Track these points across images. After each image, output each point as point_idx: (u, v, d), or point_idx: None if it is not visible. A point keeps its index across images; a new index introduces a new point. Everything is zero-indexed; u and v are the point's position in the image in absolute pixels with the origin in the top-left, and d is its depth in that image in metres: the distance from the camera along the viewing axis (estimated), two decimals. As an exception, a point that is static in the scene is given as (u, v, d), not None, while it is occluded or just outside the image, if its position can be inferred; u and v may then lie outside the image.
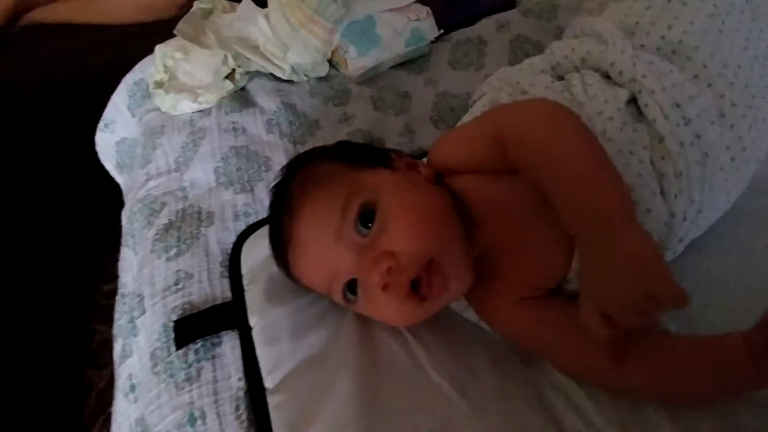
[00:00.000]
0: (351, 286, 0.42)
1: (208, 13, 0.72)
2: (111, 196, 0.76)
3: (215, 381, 0.45)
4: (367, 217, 0.40)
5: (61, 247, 0.96)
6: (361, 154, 0.46)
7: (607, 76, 0.45)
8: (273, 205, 0.47)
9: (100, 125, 0.79)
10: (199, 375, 0.45)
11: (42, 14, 1.08)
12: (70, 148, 0.89)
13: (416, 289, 0.39)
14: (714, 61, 0.44)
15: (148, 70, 0.76)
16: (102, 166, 0.81)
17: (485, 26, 0.78)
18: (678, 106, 0.41)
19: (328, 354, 0.46)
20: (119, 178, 0.78)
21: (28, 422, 0.80)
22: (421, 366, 0.45)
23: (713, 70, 0.44)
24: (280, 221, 0.44)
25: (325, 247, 0.41)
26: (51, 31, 1.06)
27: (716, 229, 0.45)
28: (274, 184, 0.48)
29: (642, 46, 0.46)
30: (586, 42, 0.48)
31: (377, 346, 0.46)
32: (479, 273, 0.43)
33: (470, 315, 0.49)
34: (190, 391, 0.45)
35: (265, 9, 0.73)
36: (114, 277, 0.62)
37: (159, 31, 0.75)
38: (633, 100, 0.43)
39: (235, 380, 0.45)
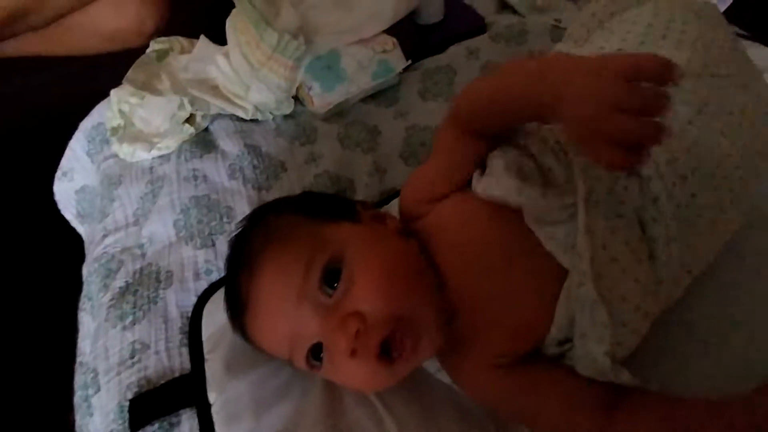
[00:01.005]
0: (315, 351, 0.39)
1: (164, 54, 0.69)
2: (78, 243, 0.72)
3: (172, 468, 0.42)
4: (331, 276, 0.38)
5: (31, 303, 0.91)
6: (326, 207, 0.44)
7: None
8: (230, 261, 0.44)
9: (58, 174, 0.75)
10: (156, 461, 0.42)
11: (5, 49, 1.04)
12: (31, 196, 0.85)
13: (385, 351, 0.36)
14: (708, 107, 0.41)
15: (106, 113, 0.73)
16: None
17: (455, 54, 0.76)
18: (673, 161, 0.38)
19: (295, 428, 0.43)
20: (80, 229, 0.74)
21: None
22: (388, 432, 0.42)
23: (708, 116, 0.40)
24: (237, 279, 0.41)
25: (287, 308, 0.38)
26: (13, 67, 1.02)
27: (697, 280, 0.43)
28: (232, 236, 0.45)
29: None
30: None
31: (344, 413, 0.44)
32: (451, 334, 0.41)
33: (443, 377, 0.46)
34: (146, 479, 0.42)
35: (225, 47, 0.70)
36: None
37: (130, 61, 0.71)
38: None
39: None
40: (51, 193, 0.76)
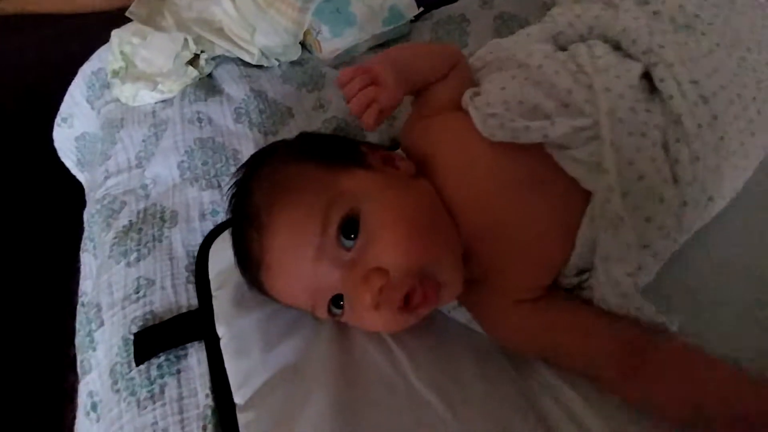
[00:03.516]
0: (335, 301, 0.38)
1: (167, -6, 0.66)
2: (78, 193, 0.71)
3: (180, 398, 0.41)
4: (349, 228, 0.36)
5: (31, 251, 0.90)
6: (331, 151, 0.41)
7: (617, 48, 0.40)
8: (235, 215, 0.41)
9: (57, 120, 0.73)
10: (162, 392, 0.41)
11: (6, 8, 1.01)
12: (30, 146, 0.83)
13: (407, 301, 0.35)
14: (725, 40, 0.40)
15: (106, 57, 0.71)
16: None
17: (468, 3, 0.74)
18: (695, 82, 0.37)
19: (304, 365, 0.42)
20: (80, 176, 0.72)
21: (9, 429, 0.77)
22: (404, 374, 0.41)
23: (725, 50, 0.40)
24: (246, 237, 0.39)
25: (306, 265, 0.36)
26: (9, 23, 0.99)
27: (721, 216, 0.42)
28: (232, 184, 0.42)
29: (655, 13, 0.40)
30: (594, 7, 0.42)
31: (357, 354, 0.43)
32: (469, 274, 0.39)
33: (458, 315, 0.46)
34: (153, 410, 0.41)
35: (230, -12, 0.67)
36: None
37: (127, 19, 0.68)
38: (645, 75, 0.38)
39: (202, 396, 0.41)
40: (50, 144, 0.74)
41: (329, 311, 0.39)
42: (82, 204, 0.64)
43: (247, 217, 0.39)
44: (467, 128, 0.40)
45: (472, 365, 0.42)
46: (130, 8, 0.63)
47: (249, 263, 0.40)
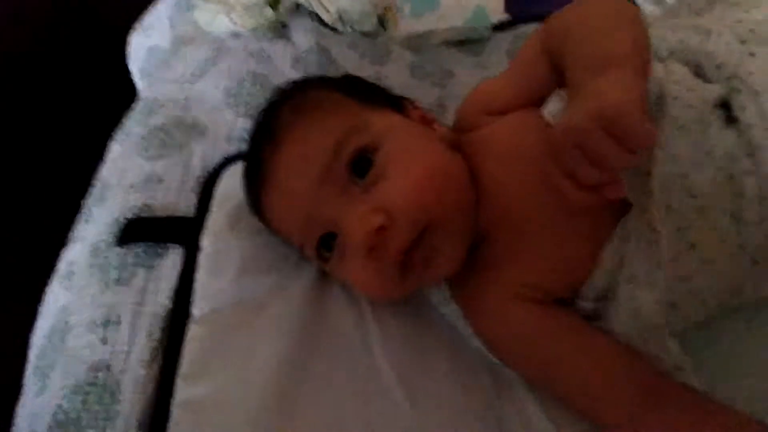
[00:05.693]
0: (327, 241, 0.36)
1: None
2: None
3: (143, 291, 0.41)
4: (363, 164, 0.34)
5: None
6: (371, 91, 0.41)
7: (697, 74, 0.35)
8: (254, 130, 0.41)
9: (137, 27, 0.77)
10: (130, 279, 0.41)
11: None
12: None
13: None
14: None
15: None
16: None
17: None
18: None
19: (271, 303, 0.40)
20: (139, 84, 0.75)
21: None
22: (369, 347, 0.39)
23: None
24: (259, 149, 0.38)
25: (307, 185, 0.35)
26: None
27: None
28: (262, 108, 0.42)
29: (752, 54, 0.35)
30: (682, 32, 0.38)
31: (328, 310, 0.41)
32: (476, 259, 0.37)
33: (448, 311, 0.42)
34: (116, 294, 0.41)
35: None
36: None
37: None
38: (723, 105, 0.33)
39: (163, 297, 0.40)
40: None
41: (317, 251, 0.37)
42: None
43: (264, 130, 0.38)
44: (530, 116, 0.38)
45: (445, 363, 0.38)
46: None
47: (253, 176, 0.39)
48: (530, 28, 0.71)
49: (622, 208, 0.32)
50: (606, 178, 0.26)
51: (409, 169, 0.34)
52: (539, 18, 0.72)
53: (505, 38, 0.71)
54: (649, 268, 0.30)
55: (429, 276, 0.36)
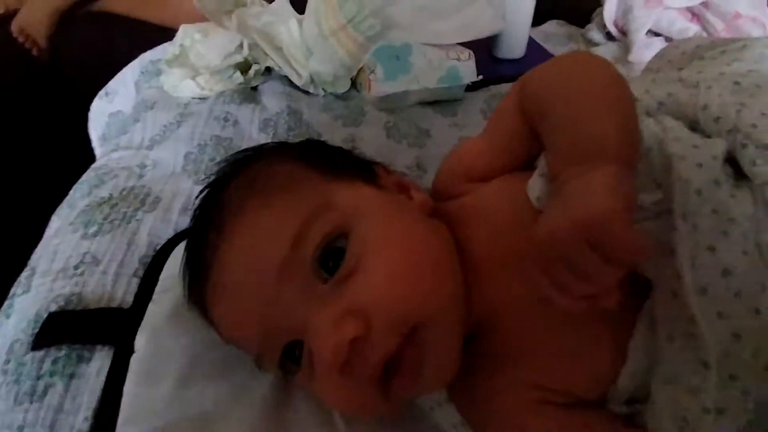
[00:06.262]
0: (292, 350, 0.29)
1: (241, 2, 0.68)
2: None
3: (59, 410, 0.33)
4: (332, 254, 0.28)
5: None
6: (336, 159, 0.35)
7: (693, 128, 0.31)
8: (200, 210, 0.33)
9: (101, 93, 0.74)
10: (44, 394, 0.33)
11: (109, 4, 1.10)
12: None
13: (386, 370, 0.26)
14: None
15: (168, 48, 0.72)
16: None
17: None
18: None
19: (219, 420, 0.32)
20: (97, 151, 0.71)
21: None
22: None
23: None
24: (202, 237, 0.31)
25: (263, 285, 0.28)
26: (111, 21, 1.05)
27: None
28: (207, 182, 0.34)
29: (742, 104, 0.31)
30: (667, 85, 0.35)
31: (290, 423, 0.33)
32: (470, 350, 0.30)
33: (442, 416, 0.35)
34: (25, 411, 0.33)
35: (301, 16, 0.69)
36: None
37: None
38: (729, 160, 0.29)
39: (80, 418, 0.32)
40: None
41: (280, 364, 0.29)
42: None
43: (207, 216, 0.32)
44: (515, 186, 0.33)
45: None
46: (202, -1, 0.64)
47: (196, 270, 0.31)
48: (503, 88, 0.71)
49: (643, 290, 0.27)
50: (595, 290, 0.22)
51: (388, 256, 0.28)
52: (511, 79, 0.73)
53: (479, 97, 0.70)
54: (691, 367, 0.24)
55: (421, 386, 0.29)
